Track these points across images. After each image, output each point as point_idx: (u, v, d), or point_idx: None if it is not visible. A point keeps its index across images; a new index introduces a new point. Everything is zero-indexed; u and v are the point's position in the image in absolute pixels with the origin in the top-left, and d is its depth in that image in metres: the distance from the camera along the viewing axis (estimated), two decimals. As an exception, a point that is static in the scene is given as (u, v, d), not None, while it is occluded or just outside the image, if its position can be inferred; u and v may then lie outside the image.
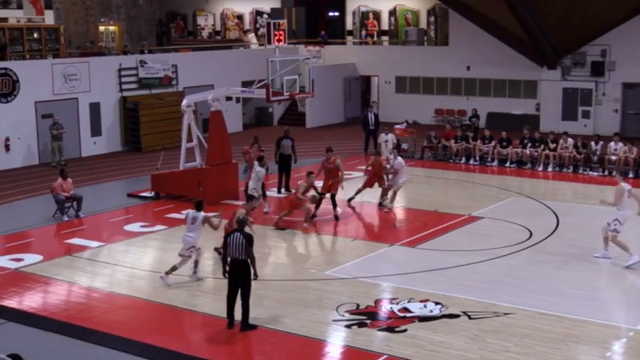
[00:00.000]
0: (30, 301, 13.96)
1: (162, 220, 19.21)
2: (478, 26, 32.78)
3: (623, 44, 30.55)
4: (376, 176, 20.41)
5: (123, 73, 29.45)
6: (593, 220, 18.85)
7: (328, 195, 19.34)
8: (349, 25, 40.36)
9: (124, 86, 29.51)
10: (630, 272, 15.04)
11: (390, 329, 12.39)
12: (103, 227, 19.02)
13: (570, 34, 30.59)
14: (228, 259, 12.43)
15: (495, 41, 32.68)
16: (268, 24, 21.87)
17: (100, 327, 12.64)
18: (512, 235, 17.55)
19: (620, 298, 14.29)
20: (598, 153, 24.88)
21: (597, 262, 15.64)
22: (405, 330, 12.33)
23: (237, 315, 12.47)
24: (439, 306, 13.27)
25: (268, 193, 20.43)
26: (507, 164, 25.65)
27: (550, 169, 25.05)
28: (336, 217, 19.13)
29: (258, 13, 41.98)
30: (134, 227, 18.69)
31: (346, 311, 13.09)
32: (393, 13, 38.74)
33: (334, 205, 19.29)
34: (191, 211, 14.72)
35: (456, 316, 12.85)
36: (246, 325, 12.39)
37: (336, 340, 12.13)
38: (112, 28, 38.58)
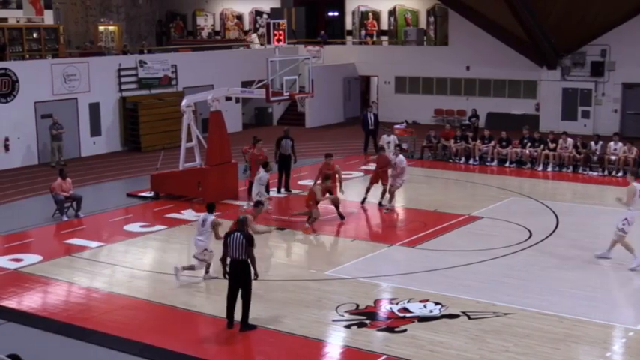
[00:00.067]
0: (29, 301, 13.95)
1: (162, 220, 19.20)
2: (478, 26, 32.77)
3: (623, 44, 30.55)
4: (380, 172, 20.40)
5: (122, 73, 29.45)
6: (593, 220, 18.92)
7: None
8: (349, 25, 40.36)
9: (124, 86, 29.50)
10: (630, 272, 15.03)
11: (390, 329, 12.39)
12: (102, 227, 19.01)
13: (570, 34, 30.59)
14: (228, 260, 12.43)
15: (495, 41, 32.67)
16: (268, 24, 21.86)
17: (99, 327, 12.64)
18: (512, 235, 17.55)
19: (619, 298, 14.30)
20: (597, 153, 24.89)
21: (597, 262, 15.63)
22: (405, 330, 12.32)
23: (237, 315, 12.46)
24: (439, 306, 13.27)
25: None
26: (507, 164, 25.65)
27: (550, 169, 25.05)
28: (341, 216, 19.02)
29: (258, 13, 41.97)
30: (134, 227, 18.68)
31: (346, 311, 13.08)
32: (392, 13, 38.74)
33: (336, 205, 19.24)
34: (203, 214, 14.77)
35: (456, 316, 12.85)
36: (245, 325, 12.38)
37: (336, 340, 12.12)
38: (111, 28, 38.59)
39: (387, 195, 20.20)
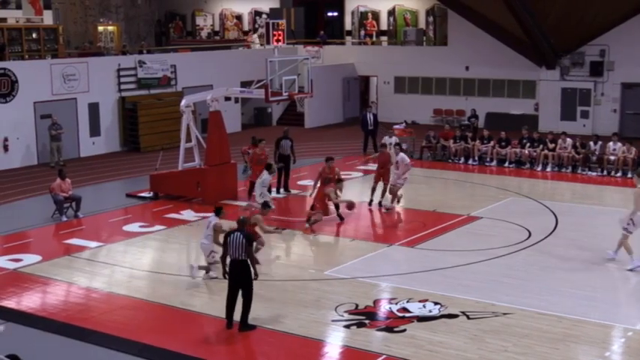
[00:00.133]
0: (29, 301, 13.94)
1: (161, 221, 19.19)
2: (477, 26, 32.77)
3: (622, 44, 30.56)
4: (382, 171, 20.38)
5: (122, 73, 29.45)
6: (592, 220, 18.93)
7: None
8: (348, 26, 40.35)
9: (123, 86, 29.50)
10: (630, 272, 15.02)
11: (389, 329, 12.39)
12: (101, 227, 19.01)
13: (569, 34, 30.60)
14: (228, 260, 12.43)
15: (494, 41, 32.68)
16: (267, 24, 21.86)
17: (98, 327, 12.63)
18: (511, 235, 17.54)
19: (619, 298, 14.29)
20: (597, 153, 24.89)
21: (597, 262, 15.62)
22: (404, 330, 12.32)
23: (237, 315, 12.46)
24: (438, 306, 13.27)
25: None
26: (506, 164, 25.65)
27: (549, 169, 25.05)
28: (340, 217, 19.01)
29: (257, 14, 41.96)
30: (133, 227, 18.68)
31: (345, 311, 13.08)
32: (391, 13, 38.72)
33: (336, 206, 19.23)
34: (211, 216, 14.79)
35: (455, 316, 12.85)
36: (245, 326, 12.37)
37: (335, 340, 12.12)
38: (110, 28, 38.60)
39: (388, 195, 20.19)
